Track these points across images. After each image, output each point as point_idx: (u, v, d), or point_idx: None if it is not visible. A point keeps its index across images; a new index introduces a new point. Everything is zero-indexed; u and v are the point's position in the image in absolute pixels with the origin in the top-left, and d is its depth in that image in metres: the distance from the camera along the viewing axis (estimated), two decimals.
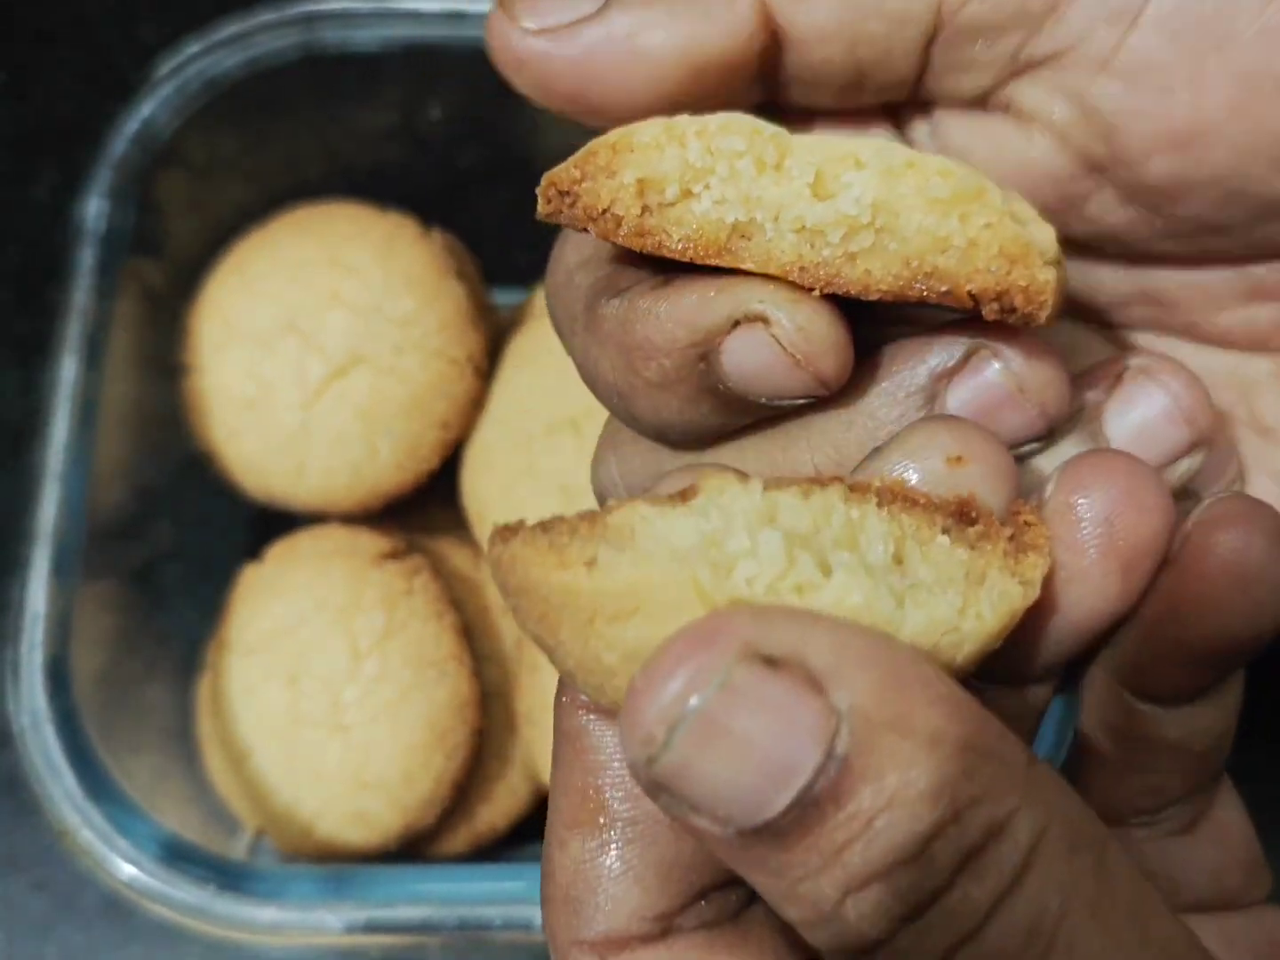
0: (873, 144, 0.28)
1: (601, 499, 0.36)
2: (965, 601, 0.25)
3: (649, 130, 0.29)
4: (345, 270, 0.59)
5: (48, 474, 0.54)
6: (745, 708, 0.22)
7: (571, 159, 0.29)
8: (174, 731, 0.61)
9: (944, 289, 0.28)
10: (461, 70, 0.64)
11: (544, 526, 0.25)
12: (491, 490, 0.59)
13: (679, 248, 0.29)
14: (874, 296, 0.28)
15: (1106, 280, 0.35)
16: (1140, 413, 0.31)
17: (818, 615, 0.23)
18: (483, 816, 0.58)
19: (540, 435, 0.58)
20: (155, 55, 0.77)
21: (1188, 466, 0.31)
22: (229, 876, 0.49)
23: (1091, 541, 0.27)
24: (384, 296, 0.58)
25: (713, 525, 0.24)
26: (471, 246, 0.66)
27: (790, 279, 0.29)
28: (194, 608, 0.65)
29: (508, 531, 0.25)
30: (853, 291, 0.28)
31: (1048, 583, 0.26)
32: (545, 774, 0.56)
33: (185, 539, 0.66)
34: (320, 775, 0.55)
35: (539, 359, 0.59)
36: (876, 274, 0.28)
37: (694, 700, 0.22)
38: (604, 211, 0.28)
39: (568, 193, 0.29)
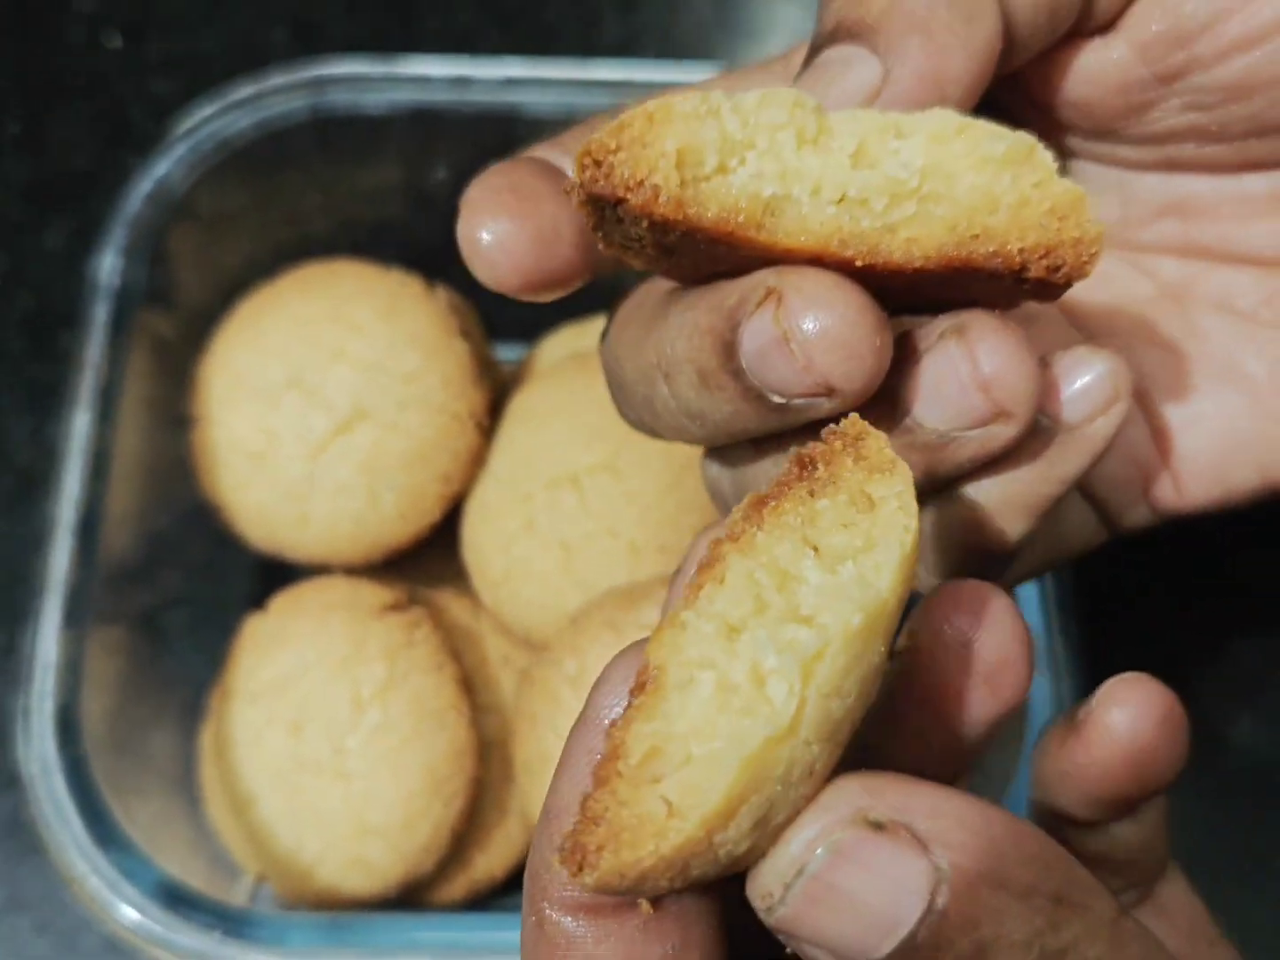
0: (917, 115, 0.29)
1: (712, 495, 0.38)
2: (866, 527, 0.26)
3: (689, 101, 0.29)
4: (350, 327, 0.60)
5: (60, 525, 0.55)
6: (853, 868, 0.25)
7: (606, 129, 0.29)
8: (176, 777, 0.62)
9: (990, 250, 0.29)
10: (465, 132, 0.66)
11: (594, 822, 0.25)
12: (491, 544, 0.60)
13: (715, 220, 0.29)
14: (916, 265, 0.29)
15: (1144, 191, 0.37)
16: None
17: (920, 781, 0.26)
18: (480, 865, 0.59)
19: (540, 491, 0.59)
20: (168, 110, 0.79)
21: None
22: (232, 923, 0.50)
23: (957, 664, 0.28)
24: (388, 353, 0.60)
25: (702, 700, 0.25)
26: (473, 302, 0.68)
27: (830, 252, 0.29)
28: (197, 655, 0.66)
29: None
30: (895, 260, 0.29)
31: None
32: None
33: (189, 587, 0.67)
34: (322, 821, 0.56)
35: (541, 416, 0.61)
36: (920, 241, 0.29)
37: (809, 863, 0.25)
38: (642, 182, 0.28)
39: (601, 163, 0.28)
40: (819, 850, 0.25)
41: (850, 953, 0.25)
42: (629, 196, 0.28)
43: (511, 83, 0.65)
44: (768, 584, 0.26)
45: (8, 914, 0.62)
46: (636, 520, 0.58)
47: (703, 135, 0.28)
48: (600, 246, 0.32)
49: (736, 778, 0.24)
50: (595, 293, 0.72)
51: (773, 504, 0.27)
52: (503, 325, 0.70)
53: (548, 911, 0.27)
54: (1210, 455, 0.39)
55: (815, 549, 0.26)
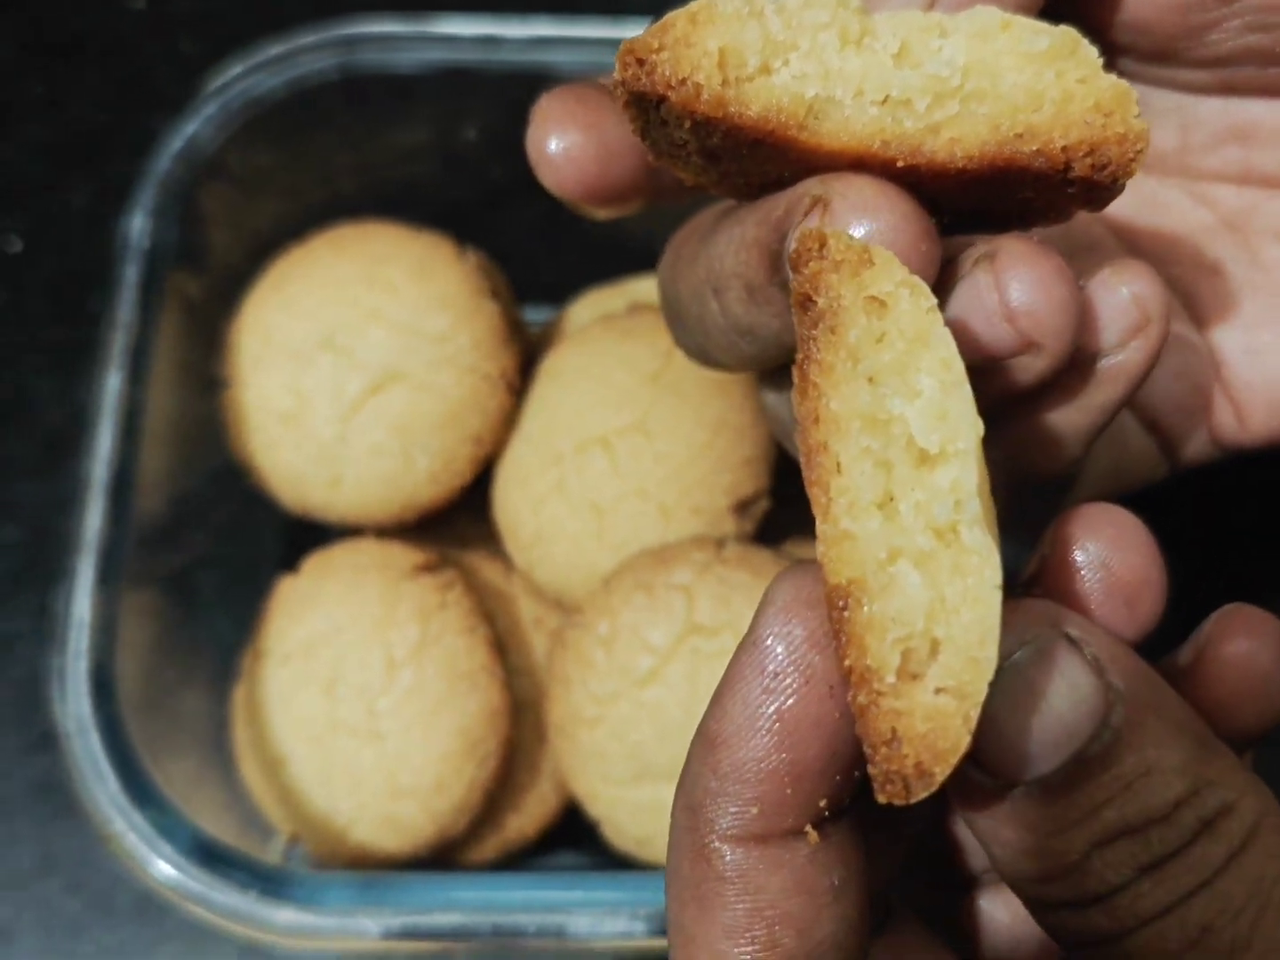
0: (960, 14, 0.29)
1: (772, 423, 0.38)
2: (896, 331, 0.26)
3: (732, 2, 0.29)
4: (382, 288, 0.60)
5: (93, 485, 0.55)
6: (1052, 672, 0.26)
7: (649, 30, 0.29)
8: (208, 738, 0.62)
9: (1034, 148, 0.29)
10: (495, 92, 0.66)
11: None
12: (523, 506, 0.60)
13: (757, 119, 0.29)
14: (959, 165, 0.29)
15: (1203, 117, 0.37)
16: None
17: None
18: (512, 825, 0.59)
19: (571, 453, 0.59)
20: (191, 70, 0.78)
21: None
22: (269, 881, 0.50)
23: (1095, 586, 0.29)
24: (420, 314, 0.60)
25: None
26: (501, 264, 0.67)
27: (874, 154, 0.29)
28: (226, 617, 0.66)
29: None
30: (939, 161, 0.29)
31: None
32: (573, 785, 0.57)
33: (218, 549, 0.67)
34: (355, 781, 0.56)
35: (571, 377, 0.61)
36: (964, 141, 0.29)
37: (1016, 655, 0.26)
38: (684, 80, 0.29)
39: (644, 61, 0.29)
40: (1021, 651, 0.26)
41: (1021, 763, 0.26)
42: (670, 94, 0.29)
43: (541, 41, 0.64)
44: (878, 446, 0.26)
45: (40, 875, 0.62)
46: (667, 481, 0.58)
47: (745, 36, 0.29)
48: (649, 157, 0.32)
49: (993, 625, 0.25)
50: (624, 256, 0.72)
51: (814, 364, 0.27)
52: (528, 288, 0.69)
53: (716, 845, 0.27)
54: (1272, 387, 0.38)
55: (871, 380, 0.26)
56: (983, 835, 0.27)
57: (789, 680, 0.27)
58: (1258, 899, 0.26)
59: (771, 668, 0.27)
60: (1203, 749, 0.27)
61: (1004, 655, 0.26)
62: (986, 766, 0.26)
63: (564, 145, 0.35)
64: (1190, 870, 0.26)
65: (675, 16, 0.29)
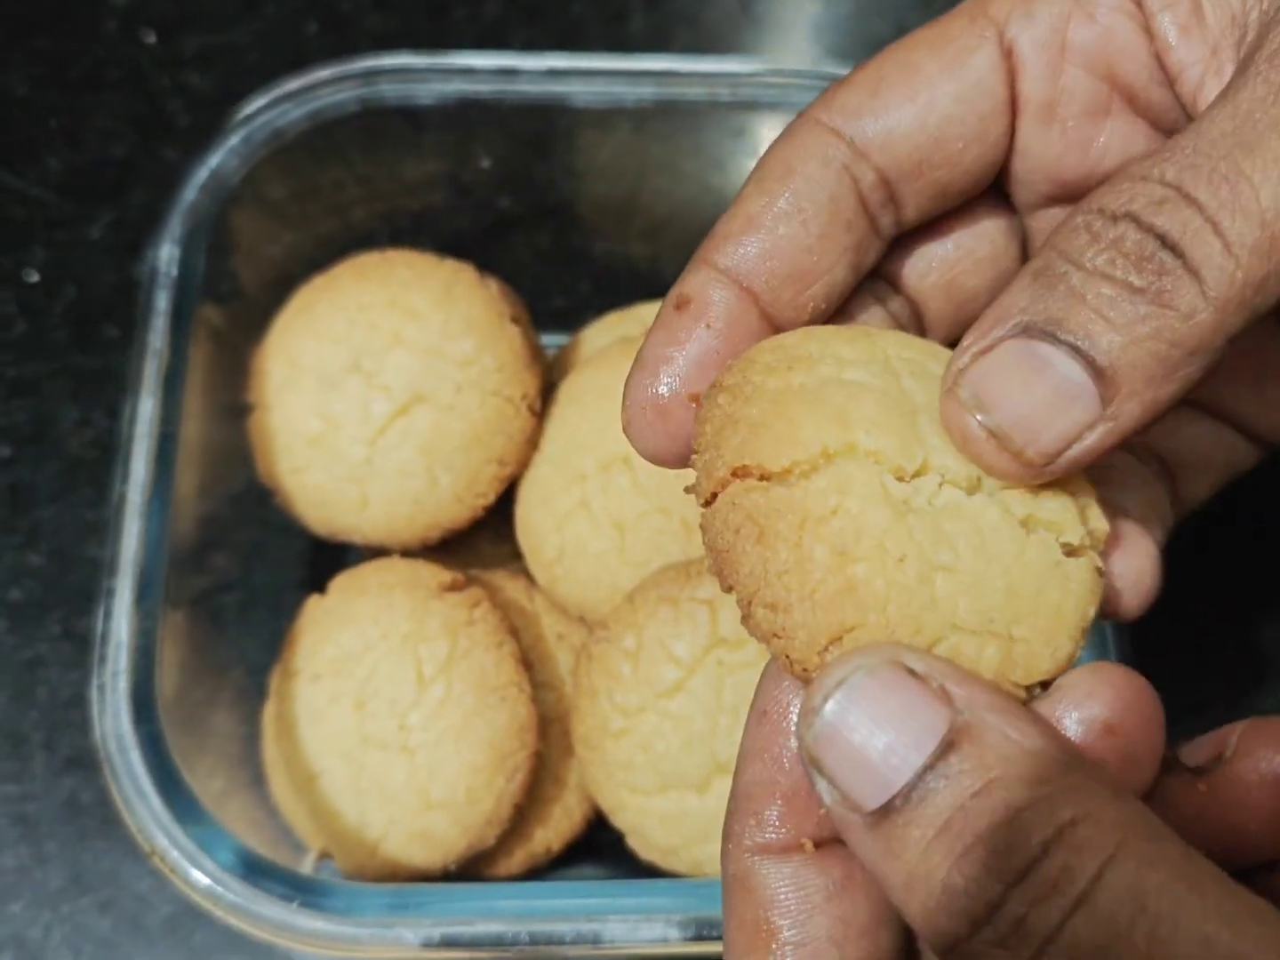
0: None
1: None
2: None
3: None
4: (407, 313, 0.61)
5: (128, 508, 0.56)
6: (885, 695, 0.28)
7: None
8: (236, 758, 0.63)
9: None
10: (507, 123, 0.67)
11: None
12: (546, 524, 0.62)
13: None
14: None
15: None
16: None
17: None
18: (539, 838, 0.61)
19: (594, 472, 0.61)
20: (203, 103, 0.80)
21: None
22: (310, 893, 0.51)
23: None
24: (444, 338, 0.61)
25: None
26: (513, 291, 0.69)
27: None
28: (250, 638, 0.67)
29: (728, 481, 0.32)
30: None
31: None
32: (599, 796, 0.59)
33: (242, 572, 0.68)
34: (386, 796, 0.57)
35: (591, 398, 0.62)
36: None
37: (848, 680, 0.28)
38: None
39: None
40: (860, 673, 0.29)
41: (869, 789, 0.28)
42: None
43: (555, 73, 0.66)
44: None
45: (70, 895, 0.63)
46: (688, 497, 0.59)
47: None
48: None
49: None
50: (632, 283, 0.74)
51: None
52: (538, 315, 0.71)
53: (730, 849, 0.32)
54: None
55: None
56: (872, 871, 0.29)
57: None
58: (1143, 912, 0.26)
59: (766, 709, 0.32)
60: (1060, 760, 0.28)
61: (839, 681, 0.29)
62: (843, 799, 0.28)
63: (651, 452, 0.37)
64: (1052, 890, 0.26)
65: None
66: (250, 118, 0.64)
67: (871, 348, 0.34)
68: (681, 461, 0.35)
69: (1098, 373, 0.29)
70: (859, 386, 0.32)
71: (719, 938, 0.50)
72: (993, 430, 0.30)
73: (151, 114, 0.81)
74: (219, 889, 0.51)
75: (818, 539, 0.30)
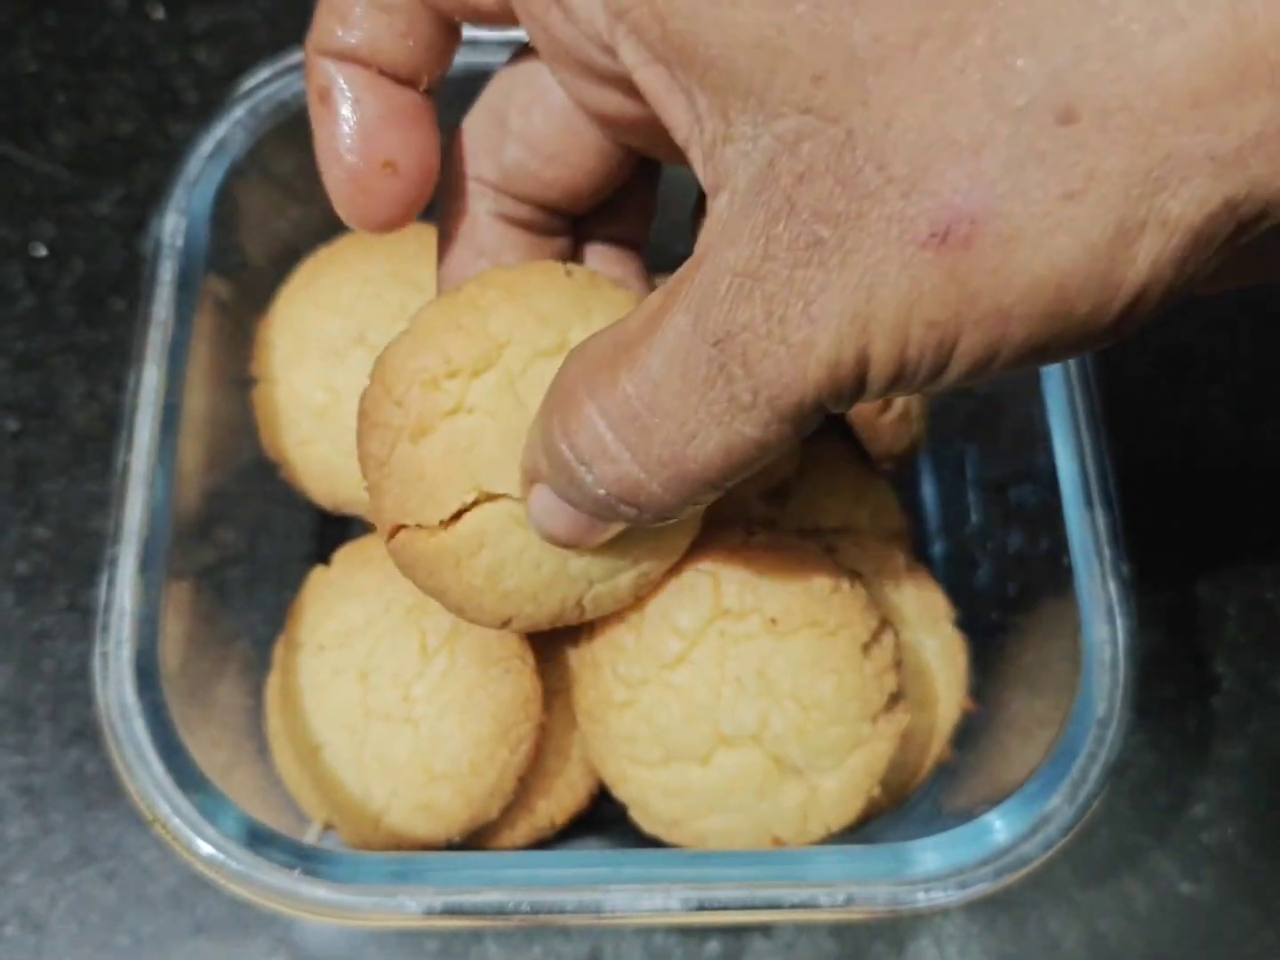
0: None
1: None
2: None
3: None
4: (412, 286, 0.61)
5: (132, 476, 0.56)
6: None
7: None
8: (240, 729, 0.63)
9: None
10: None
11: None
12: None
13: None
14: None
15: None
16: None
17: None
18: (542, 811, 0.61)
19: None
20: (211, 79, 0.80)
21: None
22: (312, 861, 0.51)
23: None
24: None
25: None
26: None
27: None
28: (253, 610, 0.67)
29: (397, 529, 0.44)
30: None
31: None
32: (603, 769, 0.59)
33: (246, 545, 0.68)
34: (390, 768, 0.57)
35: None
36: None
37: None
38: None
39: None
40: None
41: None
42: None
43: None
44: None
45: (75, 866, 0.63)
46: None
47: None
48: None
49: None
50: None
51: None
52: None
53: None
54: None
55: None
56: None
57: None
58: None
59: None
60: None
61: None
62: None
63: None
64: None
65: None
66: (256, 89, 0.64)
67: (498, 352, 0.43)
68: (397, 225, 0.44)
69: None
70: (478, 430, 0.43)
71: (721, 908, 0.50)
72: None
73: (159, 90, 0.81)
74: (221, 856, 0.51)
75: (473, 573, 0.44)
